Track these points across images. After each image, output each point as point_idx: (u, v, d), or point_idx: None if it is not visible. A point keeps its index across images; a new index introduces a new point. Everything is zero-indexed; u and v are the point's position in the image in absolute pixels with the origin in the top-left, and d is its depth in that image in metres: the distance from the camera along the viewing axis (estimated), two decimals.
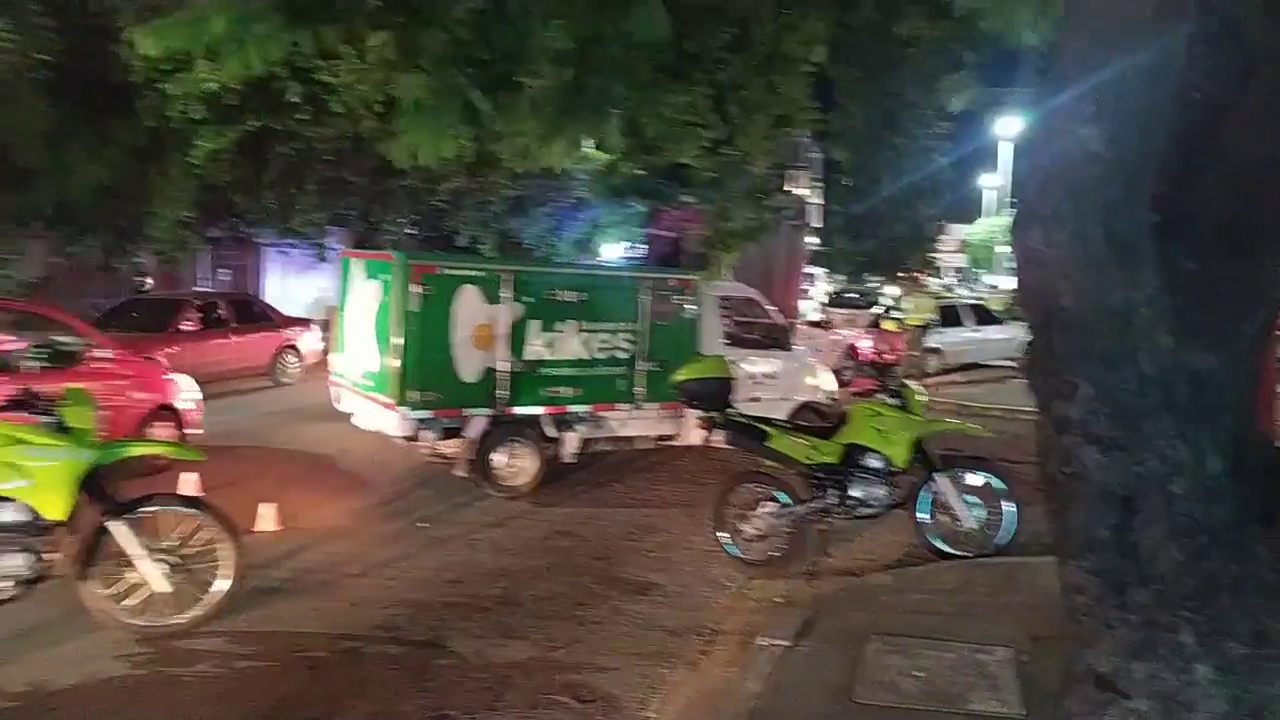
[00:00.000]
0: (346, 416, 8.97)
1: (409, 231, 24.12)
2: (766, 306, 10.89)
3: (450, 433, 8.23)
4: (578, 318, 8.61)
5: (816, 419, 9.40)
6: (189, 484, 6.51)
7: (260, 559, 5.87)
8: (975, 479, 6.63)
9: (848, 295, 29.43)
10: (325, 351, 14.96)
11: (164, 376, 8.55)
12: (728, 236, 13.32)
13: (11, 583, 4.36)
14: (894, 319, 20.06)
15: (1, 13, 12.14)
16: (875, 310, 23.82)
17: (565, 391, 8.62)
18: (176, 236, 17.28)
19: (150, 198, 15.87)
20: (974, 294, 34.30)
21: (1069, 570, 2.48)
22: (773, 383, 10.15)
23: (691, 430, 9.11)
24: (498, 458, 8.35)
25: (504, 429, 8.36)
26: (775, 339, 10.61)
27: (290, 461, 9.28)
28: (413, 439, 8.16)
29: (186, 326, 13.81)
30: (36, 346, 6.54)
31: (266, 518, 6.78)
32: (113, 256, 17.73)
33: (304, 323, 16.68)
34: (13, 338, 6.47)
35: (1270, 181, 2.39)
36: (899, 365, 14.30)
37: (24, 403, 4.55)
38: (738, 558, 6.58)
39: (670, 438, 9.41)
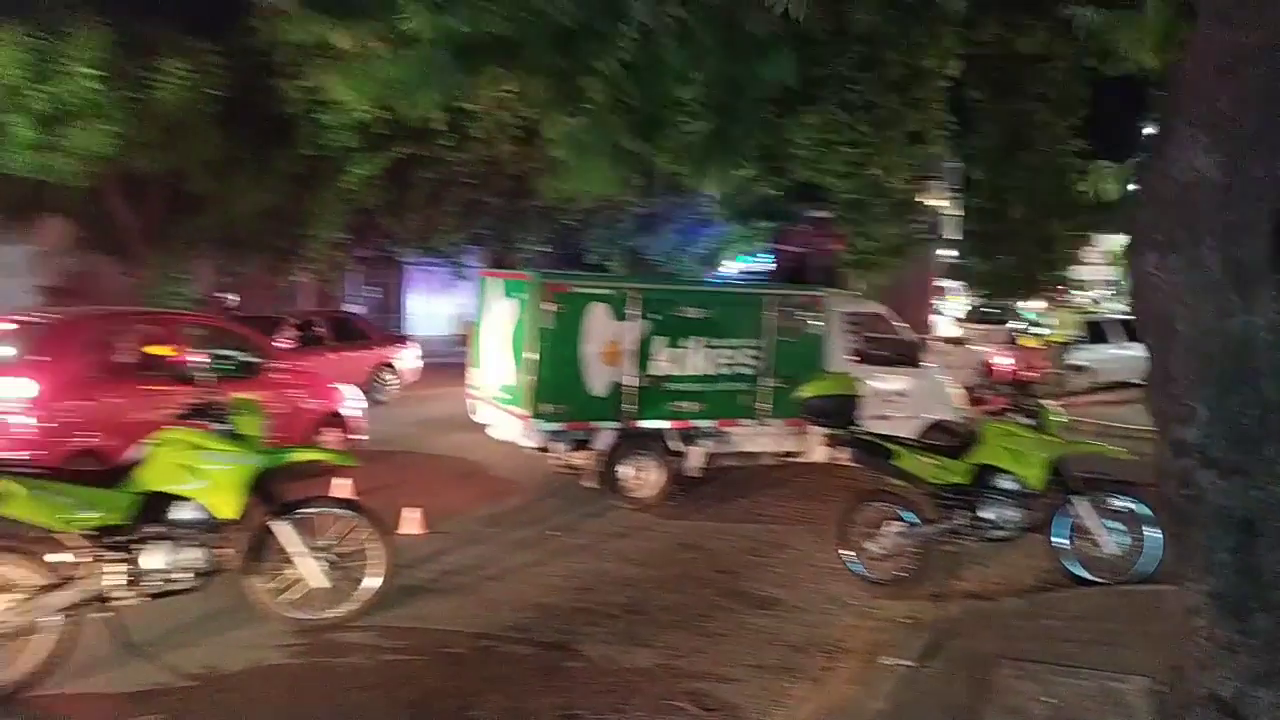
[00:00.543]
0: (482, 428, 9.41)
1: (541, 249, 24.96)
2: (895, 323, 10.73)
3: (579, 445, 8.52)
4: (703, 334, 8.75)
5: (948, 438, 9.18)
6: (343, 488, 7.01)
7: (405, 560, 6.25)
8: (1118, 503, 6.37)
9: (985, 310, 28.42)
10: (421, 369, 15.74)
11: (331, 387, 9.24)
12: (871, 256, 13.09)
13: (191, 574, 4.83)
14: (1034, 335, 19.29)
15: (181, 54, 13.35)
16: (1014, 326, 22.95)
17: (690, 406, 8.77)
18: (330, 256, 18.49)
19: (307, 221, 17.04)
20: (1123, 309, 32.50)
21: (1187, 593, 2.43)
22: (902, 400, 9.99)
23: (817, 447, 9.11)
24: (624, 470, 8.58)
25: (631, 442, 8.58)
26: (904, 356, 10.43)
27: (431, 469, 9.79)
28: (544, 450, 8.50)
29: (282, 344, 14.21)
30: (220, 359, 7.22)
31: (411, 521, 7.20)
32: (273, 275, 19.12)
33: (401, 340, 16.82)
34: (200, 351, 7.15)
35: None
36: (1039, 384, 13.75)
37: (202, 411, 5.05)
38: (862, 576, 6.53)
39: (795, 454, 9.42)
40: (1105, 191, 4.10)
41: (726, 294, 10.36)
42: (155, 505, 4.76)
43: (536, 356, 8.15)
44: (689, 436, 8.82)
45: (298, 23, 5.24)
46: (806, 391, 6.77)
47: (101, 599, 4.59)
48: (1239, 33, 2.23)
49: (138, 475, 4.75)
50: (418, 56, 4.78)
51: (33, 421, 6.84)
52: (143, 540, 4.70)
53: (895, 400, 9.89)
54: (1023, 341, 19.31)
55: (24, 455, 6.29)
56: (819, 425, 7.07)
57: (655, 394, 8.57)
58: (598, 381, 8.37)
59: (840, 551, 6.62)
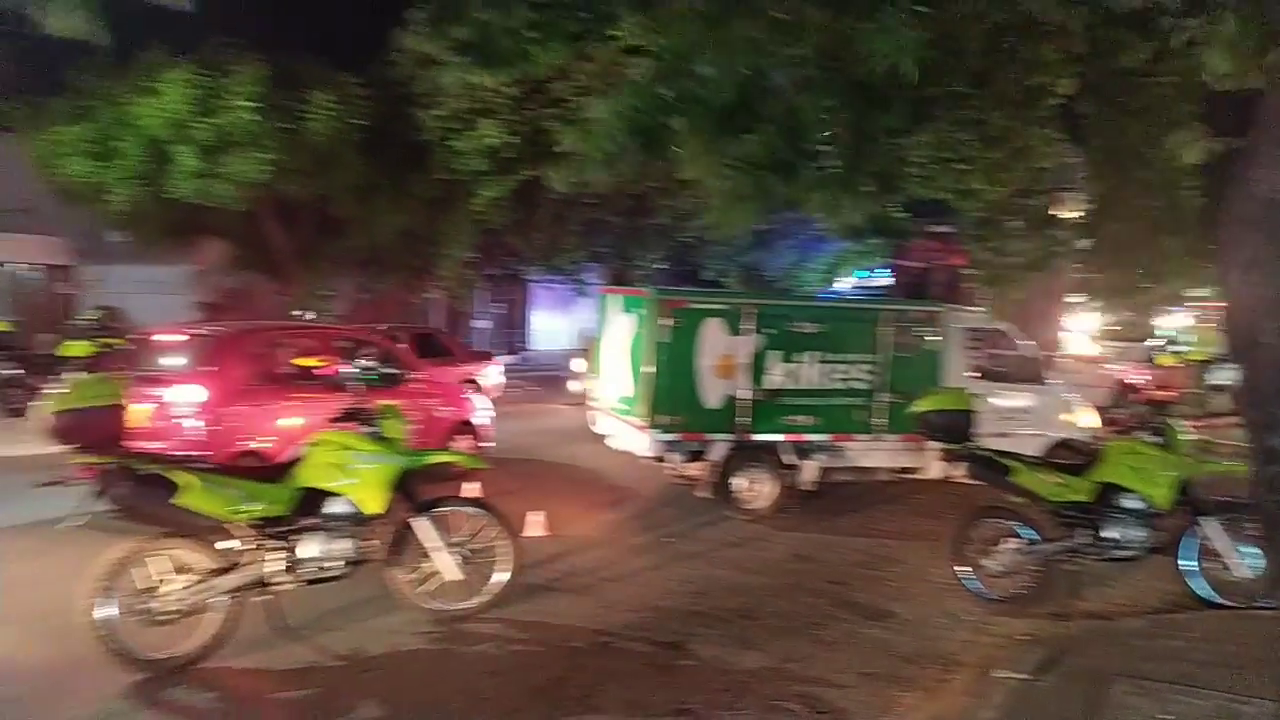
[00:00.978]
0: (598, 439, 9.77)
1: (659, 266, 25.42)
2: (1018, 339, 10.51)
3: (694, 455, 8.75)
4: (817, 348, 8.86)
5: (1073, 456, 8.96)
6: (472, 491, 7.46)
7: (529, 560, 6.60)
8: (1251, 525, 6.14)
9: (1120, 327, 27.14)
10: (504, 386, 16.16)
11: (464, 396, 9.82)
12: (1000, 271, 12.80)
13: (341, 564, 5.30)
14: (1173, 353, 18.38)
15: (329, 87, 14.40)
16: (1151, 343, 21.87)
17: (804, 420, 8.87)
18: (460, 274, 19.39)
19: (440, 241, 17.96)
20: None
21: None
22: (1024, 418, 9.79)
23: (933, 464, 9.05)
24: (738, 481, 8.76)
25: (744, 454, 8.75)
26: (1027, 372, 10.22)
27: (551, 476, 10.22)
28: (660, 460, 8.77)
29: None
30: (366, 369, 7.85)
31: (535, 524, 7.59)
32: (408, 292, 20.19)
33: (485, 357, 17.06)
34: (348, 362, 7.80)
35: None
36: (1175, 403, 13.14)
37: (353, 416, 5.54)
38: (978, 593, 6.50)
39: (911, 470, 9.38)
40: (1186, 154, 4.15)
41: (842, 309, 10.41)
42: (311, 500, 5.26)
43: (654, 369, 8.44)
44: (803, 450, 8.92)
45: (451, 69, 5.83)
46: (922, 406, 6.79)
47: (263, 583, 5.11)
48: None
49: (296, 472, 5.27)
50: (598, 133, 5.51)
51: (202, 424, 7.56)
52: (300, 531, 5.20)
53: (1017, 417, 9.71)
54: (1160, 360, 18.39)
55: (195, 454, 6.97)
56: (935, 440, 7.06)
57: (769, 407, 8.72)
58: (713, 394, 8.59)
59: (956, 567, 6.61)
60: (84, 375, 7.23)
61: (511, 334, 26.29)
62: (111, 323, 16.47)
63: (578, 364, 18.27)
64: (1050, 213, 14.36)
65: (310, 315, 19.19)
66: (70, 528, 4.84)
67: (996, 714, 4.46)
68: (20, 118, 14.49)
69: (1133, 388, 15.11)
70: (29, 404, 13.55)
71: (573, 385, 16.16)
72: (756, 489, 8.80)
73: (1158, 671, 4.79)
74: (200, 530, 5.07)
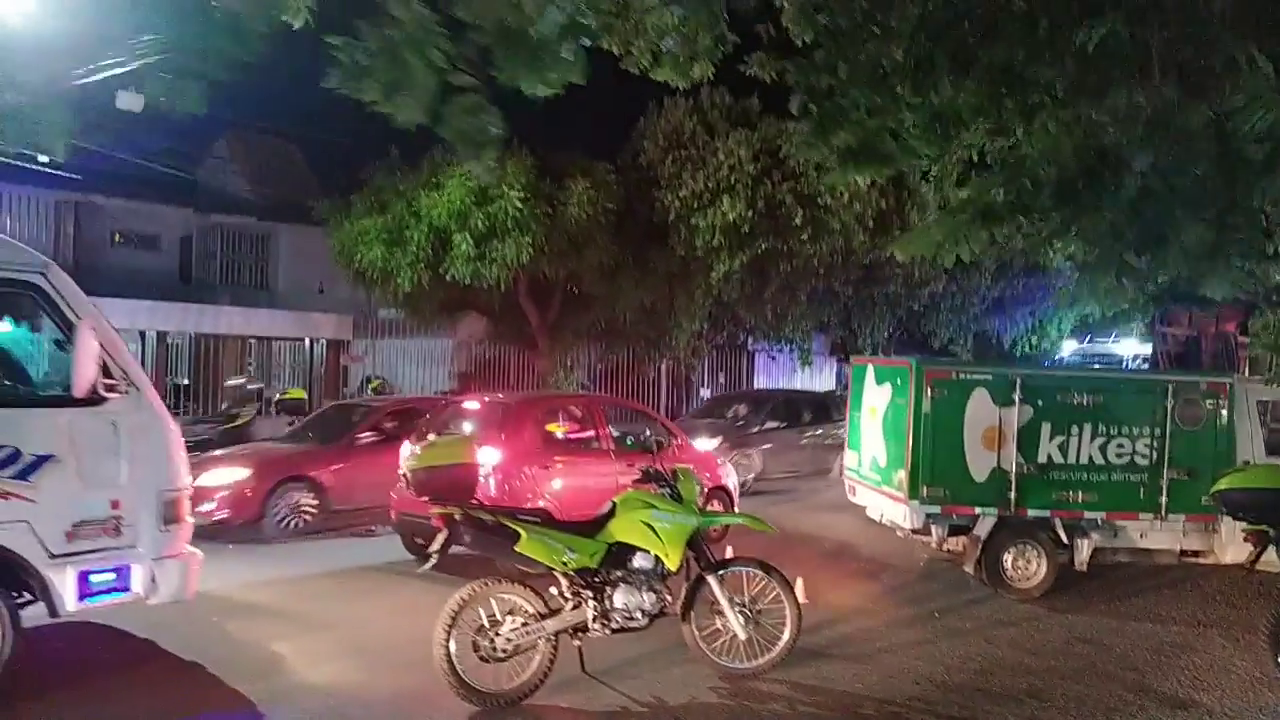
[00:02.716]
0: (844, 509, 9.81)
1: (884, 335, 25.08)
2: None
3: (957, 530, 8.61)
4: (1091, 421, 8.53)
5: None
6: (727, 552, 7.74)
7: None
8: None
9: None
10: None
11: (719, 462, 10.26)
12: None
13: (643, 616, 5.73)
14: None
15: (584, 174, 15.65)
16: None
17: (1077, 496, 8.52)
18: (692, 345, 20.12)
19: (674, 313, 18.78)
20: None
21: None
22: None
23: (1227, 548, 8.40)
24: (1007, 558, 8.51)
25: (1013, 529, 8.50)
26: None
27: (801, 545, 10.31)
28: (921, 532, 8.69)
29: None
30: (635, 435, 8.47)
31: (797, 591, 7.74)
32: (641, 363, 21.15)
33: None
34: (626, 429, 8.47)
35: None
36: None
37: (653, 476, 6.03)
38: None
39: (1198, 554, 8.72)
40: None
41: (1117, 380, 9.95)
42: (618, 554, 5.75)
43: (916, 440, 8.45)
44: (1077, 528, 8.55)
45: (838, 174, 6.51)
46: (1225, 484, 6.41)
47: (579, 629, 5.61)
48: None
49: (607, 527, 5.78)
50: (951, 221, 5.96)
51: (493, 484, 8.36)
52: (610, 583, 5.69)
53: None
54: None
55: None
56: (1239, 520, 6.61)
57: (1039, 481, 8.46)
58: (978, 466, 8.46)
59: (1277, 657, 6.12)
60: (438, 437, 8.26)
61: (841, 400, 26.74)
62: (387, 391, 18.44)
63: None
64: None
65: (585, 384, 20.52)
66: (423, 571, 5.57)
67: None
68: (328, 211, 16.76)
69: None
70: None
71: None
72: (1026, 567, 8.50)
73: None
74: (531, 577, 5.68)
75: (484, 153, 4.81)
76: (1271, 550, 6.43)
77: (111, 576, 5.33)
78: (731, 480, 10.36)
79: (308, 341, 23.52)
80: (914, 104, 5.42)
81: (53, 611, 5.15)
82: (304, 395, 17.69)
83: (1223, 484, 6.49)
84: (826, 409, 16.03)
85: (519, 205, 14.70)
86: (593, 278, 16.95)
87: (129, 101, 13.35)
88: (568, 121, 15.52)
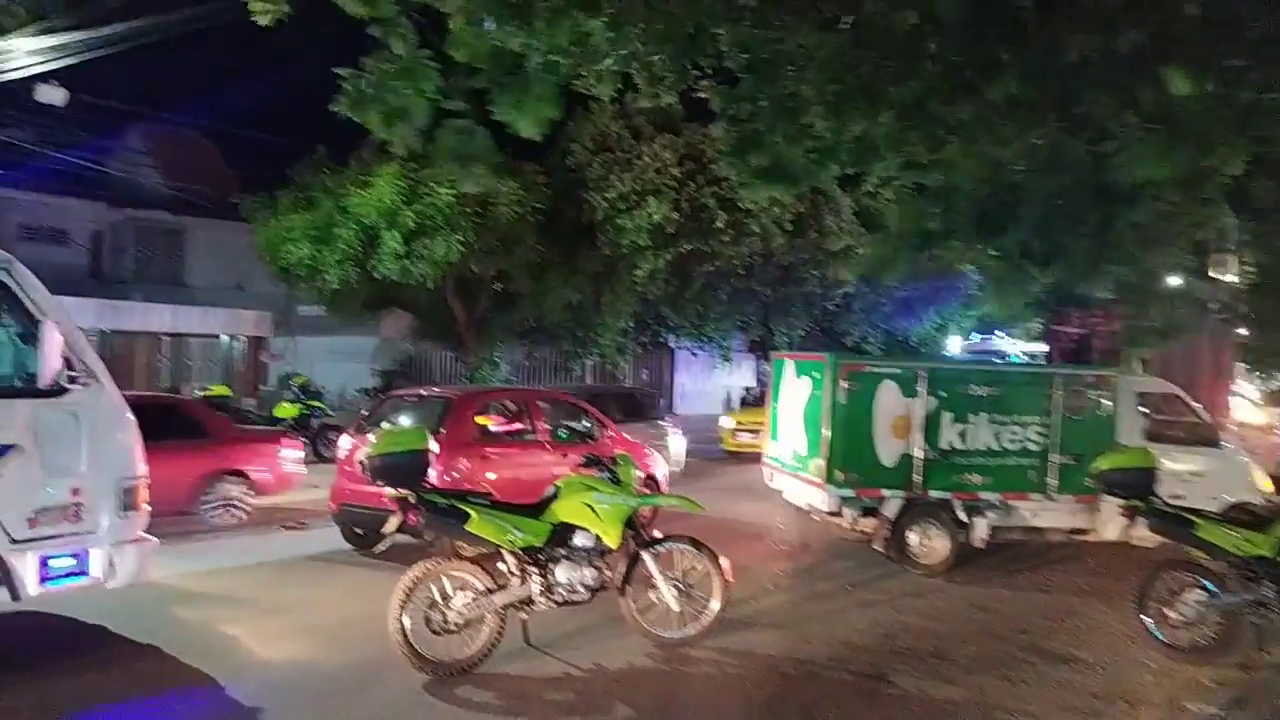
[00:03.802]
0: (764, 496, 10.45)
1: (800, 332, 26.04)
2: (1191, 403, 10.61)
3: (868, 511, 9.31)
4: (989, 410, 9.32)
5: (1251, 518, 9.02)
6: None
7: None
8: None
9: None
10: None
11: (646, 452, 10.75)
12: (1143, 335, 13.07)
13: (585, 590, 6.17)
14: None
15: (515, 175, 15.98)
16: None
17: (976, 479, 9.31)
18: (616, 342, 20.61)
19: (600, 312, 19.25)
20: None
21: None
22: (1199, 481, 9.86)
23: (1108, 525, 9.28)
24: (912, 536, 9.24)
25: (918, 510, 9.24)
26: (1200, 436, 10.31)
27: (724, 528, 10.86)
28: (835, 514, 9.36)
29: None
30: (568, 424, 8.86)
31: (724, 567, 8.29)
32: (568, 359, 21.55)
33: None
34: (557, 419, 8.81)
35: None
36: None
37: (594, 462, 6.48)
38: (1163, 642, 6.78)
39: (1083, 531, 9.60)
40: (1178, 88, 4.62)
41: (1012, 373, 10.83)
42: (562, 533, 6.18)
43: (830, 429, 9.11)
44: (975, 508, 9.32)
45: (752, 190, 7.02)
46: (1103, 464, 7.19)
47: (525, 602, 6.02)
48: None
49: (551, 509, 6.20)
50: (893, 242, 6.62)
51: (434, 474, 8.67)
52: (553, 560, 6.11)
53: (1192, 480, 9.80)
54: None
55: None
56: (1115, 496, 7.42)
57: (942, 465, 9.22)
58: (887, 453, 9.17)
59: (1141, 617, 6.91)
60: (392, 426, 8.52)
61: (658, 398, 27.41)
62: (313, 389, 18.40)
63: (725, 420, 19.03)
64: (1211, 277, 14.35)
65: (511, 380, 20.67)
66: (379, 550, 5.89)
67: None
68: (251, 209, 16.67)
69: None
70: None
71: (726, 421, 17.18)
72: (929, 545, 9.24)
73: None
74: (481, 554, 6.06)
75: (474, 168, 5.24)
76: (1143, 524, 7.24)
77: (71, 561, 5.51)
78: (660, 470, 10.88)
79: (225, 338, 23.16)
80: (824, 134, 6.06)
81: (14, 595, 5.30)
82: (229, 392, 17.55)
83: (1101, 465, 7.27)
84: (640, 406, 15.94)
85: (448, 204, 14.94)
86: (521, 276, 17.30)
87: (50, 95, 13.12)
88: (497, 123, 15.85)
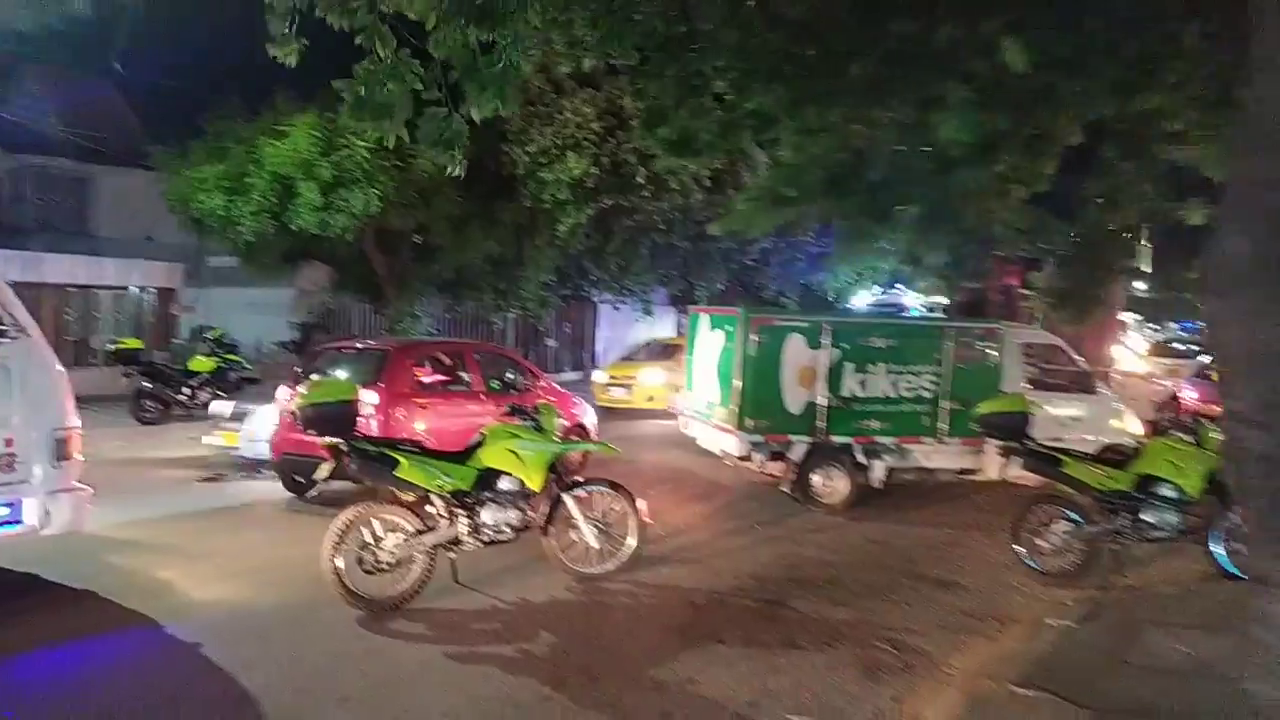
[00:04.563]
0: (681, 444, 10.99)
1: (720, 287, 26.64)
2: (1071, 353, 11.49)
3: (776, 456, 9.93)
4: (886, 360, 9.99)
5: (1117, 456, 9.93)
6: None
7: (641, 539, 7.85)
8: None
9: (1172, 344, 27.71)
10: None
11: (574, 402, 11.18)
12: (1060, 299, 13.83)
13: (510, 530, 6.58)
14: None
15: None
16: (1204, 359, 22.45)
17: (875, 424, 10.00)
18: (539, 297, 20.82)
19: (523, 265, 19.42)
20: None
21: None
22: (1076, 425, 10.76)
23: (991, 465, 10.10)
24: (816, 478, 9.91)
25: (821, 454, 9.90)
26: (1080, 384, 11.22)
27: (646, 473, 11.45)
28: (746, 459, 9.96)
29: None
30: (497, 376, 9.17)
31: (640, 508, 8.81)
32: (490, 312, 21.68)
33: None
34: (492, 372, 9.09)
35: None
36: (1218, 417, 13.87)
37: (518, 411, 6.86)
38: (1033, 569, 7.56)
39: (971, 471, 10.42)
40: (1014, 63, 5.41)
41: (908, 326, 11.54)
42: (487, 478, 6.56)
43: (742, 379, 9.65)
44: (873, 451, 10.03)
45: (663, 159, 7.46)
46: (983, 409, 7.89)
47: (454, 542, 6.41)
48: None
49: (477, 455, 6.57)
50: (755, 204, 7.86)
51: (375, 424, 8.88)
52: (480, 502, 6.50)
53: (1070, 424, 10.69)
54: (1215, 376, 19.04)
55: None
56: (994, 438, 8.13)
57: (843, 413, 9.87)
58: (793, 400, 9.77)
59: (1014, 546, 7.68)
60: (323, 377, 8.69)
61: (580, 351, 27.72)
62: (228, 341, 18.17)
63: (598, 374, 19.21)
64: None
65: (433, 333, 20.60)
66: (311, 496, 6.16)
67: (1047, 649, 5.56)
68: (162, 159, 16.26)
69: (1178, 401, 15.90)
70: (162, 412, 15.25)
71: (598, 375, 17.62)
72: (831, 486, 9.93)
73: (1184, 622, 5.84)
74: (410, 499, 6.40)
75: (451, 150, 5.56)
76: (1018, 463, 7.99)
77: (5, 510, 5.67)
78: (588, 418, 11.30)
79: (135, 290, 22.55)
80: (725, 111, 6.58)
81: None
82: (141, 344, 17.21)
83: (982, 409, 7.98)
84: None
85: (366, 156, 14.88)
86: (441, 229, 17.32)
87: None
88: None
